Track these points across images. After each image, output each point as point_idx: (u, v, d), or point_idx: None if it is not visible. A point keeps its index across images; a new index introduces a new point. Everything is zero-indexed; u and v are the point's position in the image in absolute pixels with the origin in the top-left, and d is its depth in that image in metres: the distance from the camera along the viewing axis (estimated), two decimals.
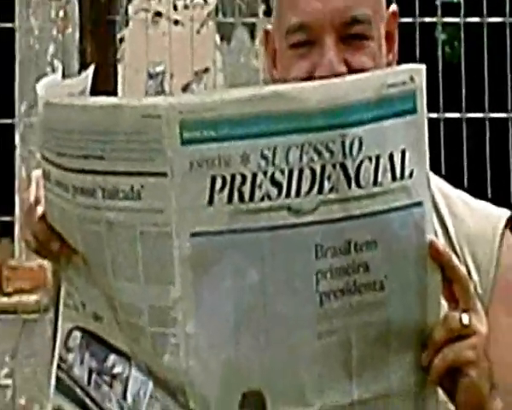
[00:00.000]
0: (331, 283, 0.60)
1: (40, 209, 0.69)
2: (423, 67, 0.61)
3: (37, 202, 0.70)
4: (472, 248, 0.79)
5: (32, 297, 2.19)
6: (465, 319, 0.62)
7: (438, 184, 0.82)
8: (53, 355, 0.72)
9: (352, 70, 0.74)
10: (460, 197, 0.84)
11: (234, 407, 0.61)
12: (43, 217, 0.69)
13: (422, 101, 0.61)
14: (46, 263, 0.90)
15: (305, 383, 0.61)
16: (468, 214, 0.81)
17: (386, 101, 0.60)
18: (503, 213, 0.82)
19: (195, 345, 0.61)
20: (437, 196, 0.80)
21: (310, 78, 0.75)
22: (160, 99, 0.59)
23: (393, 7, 0.84)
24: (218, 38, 3.40)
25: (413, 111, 0.61)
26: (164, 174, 0.59)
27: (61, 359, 0.72)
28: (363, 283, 0.61)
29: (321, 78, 0.72)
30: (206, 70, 3.34)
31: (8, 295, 2.21)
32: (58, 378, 0.72)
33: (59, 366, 0.72)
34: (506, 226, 0.81)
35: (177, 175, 0.58)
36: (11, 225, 2.47)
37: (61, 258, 0.71)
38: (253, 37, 3.39)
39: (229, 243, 0.59)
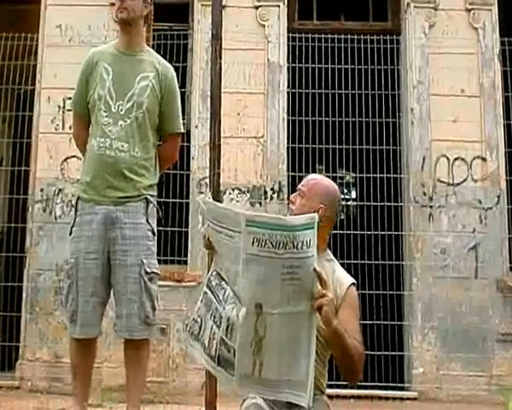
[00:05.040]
0: (286, 274, 1.90)
1: (206, 236, 2.12)
2: (316, 216, 1.91)
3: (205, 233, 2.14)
4: (341, 285, 2.18)
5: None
6: (323, 291, 1.93)
7: (334, 260, 2.24)
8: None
9: (292, 202, 2.21)
10: (336, 266, 2.25)
11: (252, 305, 1.92)
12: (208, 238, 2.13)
13: (315, 224, 1.88)
14: (208, 252, 2.40)
15: (276, 298, 1.90)
16: (340, 272, 2.23)
17: (308, 224, 1.88)
18: (351, 279, 2.22)
19: (242, 282, 1.92)
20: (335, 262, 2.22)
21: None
22: (241, 211, 1.97)
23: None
24: None
25: (313, 227, 1.89)
26: (240, 232, 1.91)
27: (208, 279, 2.12)
28: (296, 277, 1.89)
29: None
30: None
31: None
32: (207, 285, 2.12)
33: (207, 282, 2.14)
34: (351, 284, 2.19)
35: (243, 232, 1.87)
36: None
37: (212, 250, 2.14)
38: None
39: (255, 257, 1.82)
